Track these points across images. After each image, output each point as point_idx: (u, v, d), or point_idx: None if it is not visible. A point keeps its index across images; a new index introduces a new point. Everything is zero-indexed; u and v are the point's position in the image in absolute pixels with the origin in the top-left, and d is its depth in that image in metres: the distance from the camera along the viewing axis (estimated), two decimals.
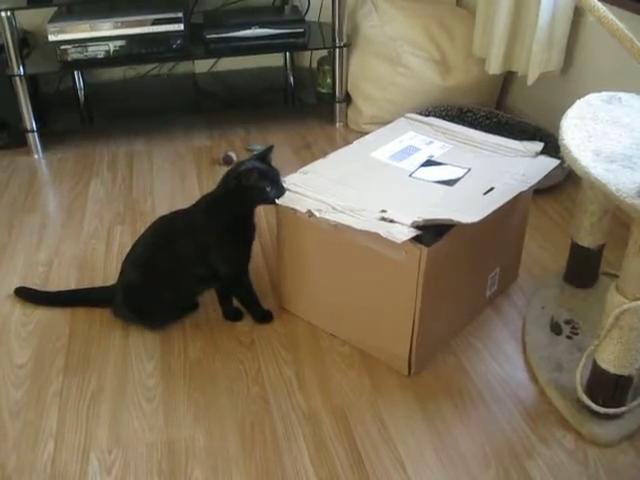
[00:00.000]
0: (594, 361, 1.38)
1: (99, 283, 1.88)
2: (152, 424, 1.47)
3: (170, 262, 1.64)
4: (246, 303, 1.74)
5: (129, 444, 1.42)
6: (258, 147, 2.64)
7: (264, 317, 1.74)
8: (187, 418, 1.48)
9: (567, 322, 1.68)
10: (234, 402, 1.52)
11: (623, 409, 1.41)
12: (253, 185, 1.54)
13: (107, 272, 1.93)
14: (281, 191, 1.57)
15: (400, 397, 1.52)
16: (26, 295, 1.84)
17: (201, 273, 1.65)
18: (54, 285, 1.89)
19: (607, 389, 1.39)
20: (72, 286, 1.89)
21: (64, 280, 1.92)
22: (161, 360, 1.64)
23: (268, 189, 1.55)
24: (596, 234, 1.69)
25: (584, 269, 1.79)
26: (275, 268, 1.86)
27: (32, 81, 2.63)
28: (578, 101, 1.52)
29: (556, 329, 1.66)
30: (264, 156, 1.61)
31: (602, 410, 1.40)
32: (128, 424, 1.47)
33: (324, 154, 1.78)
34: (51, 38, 2.49)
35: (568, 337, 1.63)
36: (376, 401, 1.51)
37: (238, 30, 2.63)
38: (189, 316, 1.76)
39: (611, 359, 1.34)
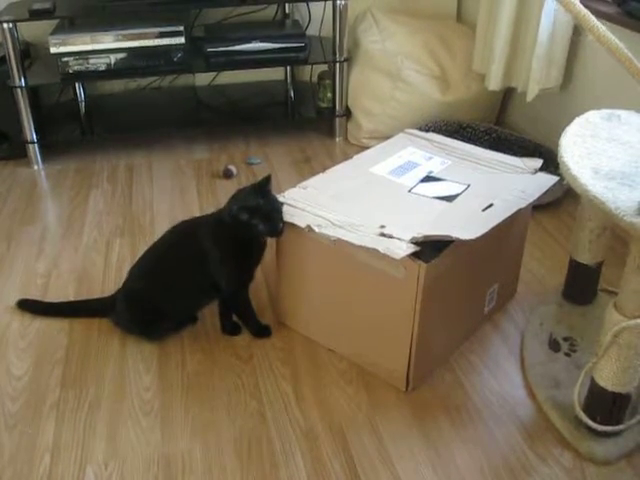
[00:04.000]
0: (592, 379, 1.38)
1: (97, 295, 1.88)
2: (149, 437, 1.47)
3: (174, 270, 1.65)
4: (244, 318, 1.74)
5: (126, 457, 1.42)
6: (257, 161, 2.65)
7: (262, 332, 1.74)
8: (184, 432, 1.48)
9: (565, 339, 1.68)
10: (231, 416, 1.52)
11: (621, 427, 1.41)
12: (246, 223, 1.54)
13: (105, 284, 1.93)
14: (275, 226, 1.57)
15: (398, 413, 1.52)
16: (29, 307, 1.84)
17: (202, 283, 1.65)
18: (53, 297, 1.89)
19: (605, 407, 1.39)
20: (71, 298, 1.89)
21: (62, 291, 1.92)
22: (159, 373, 1.63)
23: (260, 227, 1.55)
24: (595, 251, 1.70)
25: (583, 286, 1.79)
26: (274, 283, 1.87)
27: (33, 92, 2.64)
28: (577, 118, 1.53)
29: (554, 346, 1.66)
30: (262, 186, 1.60)
31: (600, 428, 1.40)
32: (125, 437, 1.47)
33: (324, 168, 1.79)
34: (53, 50, 2.50)
35: (566, 354, 1.63)
36: (374, 417, 1.51)
37: (239, 44, 2.64)
38: (187, 329, 1.76)
39: (609, 377, 1.34)
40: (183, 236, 1.69)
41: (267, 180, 1.61)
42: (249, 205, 1.55)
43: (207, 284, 1.66)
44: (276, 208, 1.58)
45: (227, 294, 1.68)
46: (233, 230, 1.58)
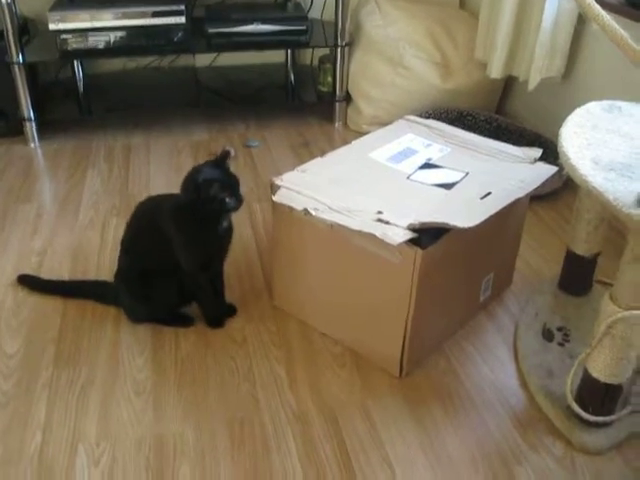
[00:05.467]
0: (585, 369, 1.39)
1: (92, 274, 1.89)
2: (141, 418, 1.47)
3: (144, 245, 1.65)
4: (200, 303, 1.72)
5: (118, 437, 1.42)
6: (256, 143, 2.64)
7: (214, 323, 1.72)
8: (176, 413, 1.48)
9: (559, 329, 1.68)
10: (224, 399, 1.52)
11: (612, 417, 1.41)
12: (213, 197, 1.53)
13: (101, 263, 1.93)
14: (240, 201, 1.56)
15: (390, 398, 1.53)
16: (27, 282, 1.85)
17: (172, 262, 1.63)
18: (47, 275, 1.89)
19: (597, 397, 1.39)
20: (65, 276, 1.89)
21: (57, 270, 1.92)
22: (152, 354, 1.64)
23: (227, 200, 1.54)
24: (592, 242, 1.70)
25: (578, 277, 1.80)
26: (269, 266, 1.87)
27: (31, 69, 2.63)
28: (578, 109, 1.52)
29: (548, 336, 1.66)
30: (221, 161, 1.58)
31: (591, 418, 1.41)
32: (117, 417, 1.47)
33: (322, 153, 1.78)
34: (51, 27, 2.48)
35: (560, 344, 1.64)
36: (366, 401, 1.52)
37: (240, 25, 2.63)
38: (181, 311, 1.75)
39: (602, 368, 1.35)
40: (147, 216, 1.66)
41: (226, 155, 1.58)
42: (216, 178, 1.53)
43: (177, 264, 1.62)
44: (238, 183, 1.57)
45: (187, 275, 1.64)
46: (194, 209, 1.55)
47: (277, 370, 1.60)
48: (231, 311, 1.76)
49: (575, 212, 1.70)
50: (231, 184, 1.56)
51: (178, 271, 1.64)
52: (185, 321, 1.73)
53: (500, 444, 1.42)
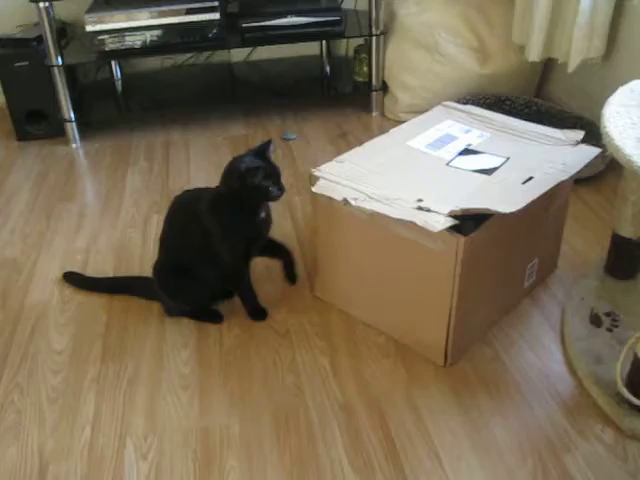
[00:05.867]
0: (635, 354, 1.36)
1: (136, 271, 1.91)
2: (187, 411, 1.48)
3: (179, 239, 1.65)
4: (243, 297, 1.72)
5: (165, 431, 1.44)
6: (293, 136, 2.64)
7: (258, 315, 1.72)
8: (222, 406, 1.49)
9: (607, 314, 1.65)
10: (269, 391, 1.52)
11: None
12: (258, 185, 1.53)
13: (144, 260, 1.95)
14: (283, 189, 1.57)
15: (436, 388, 1.51)
16: (73, 280, 1.88)
17: (209, 257, 1.63)
18: (92, 272, 1.91)
19: None
20: (110, 273, 1.91)
21: (101, 268, 1.94)
22: (197, 348, 1.65)
23: (272, 189, 1.54)
24: (638, 224, 1.66)
25: (625, 260, 1.76)
26: (310, 257, 1.86)
27: (70, 71, 2.67)
28: (621, 88, 1.49)
29: (596, 321, 1.63)
30: (263, 151, 1.58)
31: None
32: (164, 411, 1.49)
33: (360, 143, 1.77)
34: (88, 29, 2.51)
35: (608, 329, 1.61)
36: (411, 391, 1.50)
37: (274, 19, 2.63)
38: (224, 305, 1.76)
39: None
40: (185, 210, 1.66)
41: (267, 144, 1.58)
42: (259, 166, 1.53)
43: (212, 258, 1.63)
44: (279, 172, 1.57)
45: (227, 270, 1.65)
46: (234, 199, 1.55)
47: (321, 361, 1.60)
48: (262, 315, 1.74)
49: (620, 194, 1.66)
50: (273, 172, 1.56)
51: (213, 266, 1.65)
52: (215, 317, 1.73)
53: (549, 432, 1.40)
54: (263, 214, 1.61)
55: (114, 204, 2.27)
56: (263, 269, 1.83)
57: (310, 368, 1.58)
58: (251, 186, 1.53)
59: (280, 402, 1.49)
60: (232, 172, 1.56)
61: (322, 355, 1.61)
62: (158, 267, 1.71)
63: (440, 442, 1.39)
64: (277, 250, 1.73)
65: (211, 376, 1.57)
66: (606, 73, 2.38)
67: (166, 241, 1.70)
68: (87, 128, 2.74)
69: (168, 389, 1.54)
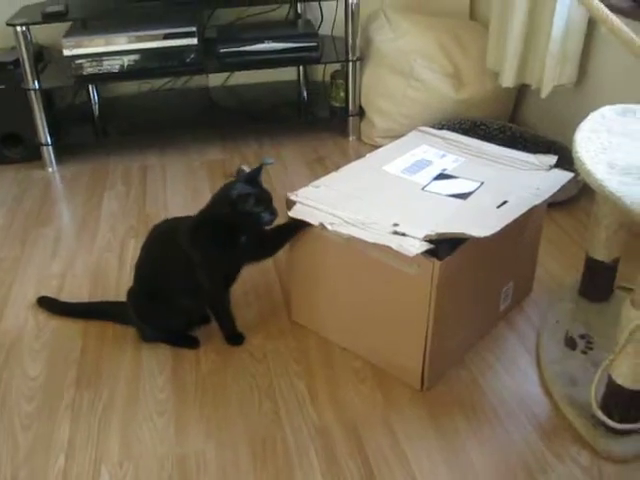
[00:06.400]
0: (609, 376, 1.37)
1: (111, 296, 1.89)
2: (163, 438, 1.47)
3: (157, 267, 1.65)
4: (221, 322, 1.71)
5: (140, 457, 1.42)
6: (271, 161, 2.64)
7: (235, 340, 1.72)
8: (198, 432, 1.48)
9: (582, 336, 1.66)
10: (245, 416, 1.51)
11: (639, 425, 1.39)
12: (249, 211, 1.53)
13: (120, 285, 1.94)
14: (275, 214, 1.57)
15: (413, 412, 1.51)
16: (47, 305, 1.86)
17: (187, 285, 1.63)
18: (67, 297, 1.89)
19: (623, 405, 1.37)
20: (85, 298, 1.90)
21: (77, 293, 1.92)
22: (173, 374, 1.64)
23: (263, 214, 1.55)
24: (611, 248, 1.68)
25: (599, 283, 1.77)
26: (287, 281, 1.86)
27: (47, 95, 2.65)
28: (592, 114, 1.51)
29: (571, 344, 1.64)
30: (254, 177, 1.59)
31: (618, 426, 1.38)
32: (139, 437, 1.47)
33: (337, 168, 1.78)
34: (66, 52, 2.51)
35: (583, 352, 1.62)
36: (389, 416, 1.50)
37: (251, 44, 2.65)
38: (200, 330, 1.75)
39: (627, 374, 1.33)
40: (163, 239, 1.66)
41: (258, 170, 1.59)
42: (251, 192, 1.53)
43: (190, 287, 1.63)
44: (271, 197, 1.58)
45: (209, 296, 1.65)
46: (221, 225, 1.55)
47: (298, 386, 1.59)
48: (239, 339, 1.73)
49: (593, 218, 1.68)
50: (265, 198, 1.56)
51: (191, 294, 1.64)
52: (191, 343, 1.72)
53: (525, 455, 1.40)
54: (244, 238, 1.61)
55: (90, 229, 2.26)
56: (241, 294, 1.83)
57: (287, 393, 1.57)
58: (243, 212, 1.53)
59: (257, 428, 1.48)
60: (223, 199, 1.56)
61: (299, 380, 1.61)
62: (133, 294, 1.70)
63: (418, 467, 1.38)
64: (287, 230, 1.66)
65: (187, 402, 1.56)
66: (578, 99, 2.42)
67: (142, 269, 1.69)
68: (64, 152, 2.72)
69: (144, 415, 1.52)
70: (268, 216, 1.56)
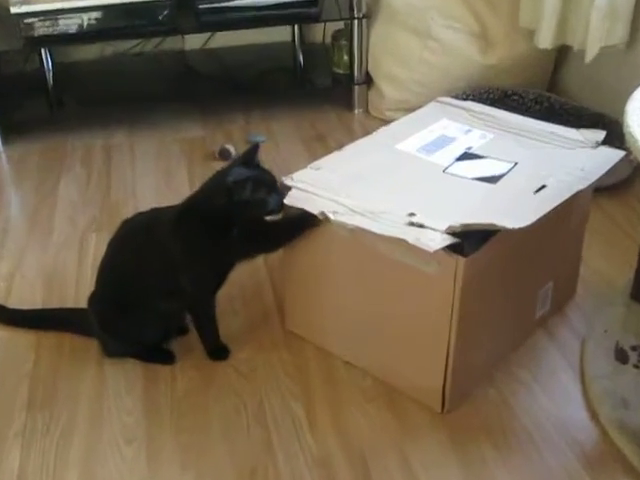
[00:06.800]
0: None
1: (70, 300, 1.90)
2: (132, 469, 1.47)
3: (129, 269, 1.65)
4: (203, 333, 1.72)
5: None
6: (261, 138, 2.64)
7: (218, 353, 1.72)
8: (174, 463, 1.48)
9: (634, 348, 1.67)
10: (231, 443, 1.52)
11: None
12: (248, 199, 1.53)
13: (79, 289, 1.94)
14: (281, 198, 1.57)
15: (432, 438, 1.52)
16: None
17: (166, 287, 1.64)
18: (16, 303, 1.90)
19: None
20: (38, 304, 1.90)
21: (29, 297, 1.93)
22: (143, 394, 1.64)
23: (269, 199, 1.55)
24: None
25: None
26: (281, 283, 1.87)
27: None
28: None
29: (621, 356, 1.65)
30: (249, 158, 1.59)
31: None
32: (103, 468, 1.47)
33: (340, 146, 1.78)
34: (13, 10, 2.50)
35: (635, 366, 1.62)
36: (402, 443, 1.51)
37: None
38: (178, 341, 1.75)
39: None
40: (137, 234, 1.66)
41: (254, 150, 1.59)
42: (248, 177, 1.53)
43: (169, 288, 1.64)
44: (274, 178, 1.58)
45: (194, 301, 1.66)
46: (215, 221, 1.56)
47: (293, 408, 1.60)
48: (223, 354, 1.73)
49: None
50: (266, 180, 1.56)
51: (170, 299, 1.65)
52: (166, 358, 1.72)
53: None
54: (235, 231, 1.60)
55: (44, 220, 2.26)
56: (226, 300, 1.83)
57: (280, 416, 1.58)
58: (242, 201, 1.53)
59: (244, 457, 1.49)
60: (217, 189, 1.56)
61: (295, 400, 1.61)
62: (96, 299, 1.70)
63: None
64: (298, 222, 1.63)
65: (161, 426, 1.56)
66: (630, 63, 2.42)
67: (109, 270, 1.69)
68: (11, 129, 2.72)
69: (109, 442, 1.53)
70: (274, 201, 1.56)
